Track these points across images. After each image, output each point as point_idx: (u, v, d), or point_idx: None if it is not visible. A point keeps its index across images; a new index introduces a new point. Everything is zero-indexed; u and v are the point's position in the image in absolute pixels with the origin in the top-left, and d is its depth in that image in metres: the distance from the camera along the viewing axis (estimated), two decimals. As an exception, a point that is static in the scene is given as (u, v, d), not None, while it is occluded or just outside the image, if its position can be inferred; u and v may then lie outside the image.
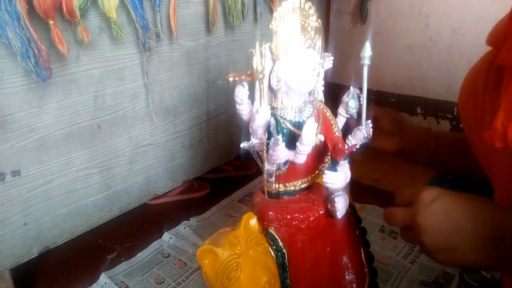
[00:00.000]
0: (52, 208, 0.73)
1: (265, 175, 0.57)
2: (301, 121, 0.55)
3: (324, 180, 0.53)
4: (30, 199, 0.69)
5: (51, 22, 0.59)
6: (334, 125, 0.57)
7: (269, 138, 0.52)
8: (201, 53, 0.90)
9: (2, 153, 0.64)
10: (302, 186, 0.59)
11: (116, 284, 0.74)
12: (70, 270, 0.79)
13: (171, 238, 0.86)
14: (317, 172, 0.59)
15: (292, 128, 0.54)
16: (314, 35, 0.52)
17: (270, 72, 0.53)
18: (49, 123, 0.68)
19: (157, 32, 0.76)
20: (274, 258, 0.54)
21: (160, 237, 0.87)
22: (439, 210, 0.46)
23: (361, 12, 1.27)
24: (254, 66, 0.50)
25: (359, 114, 0.55)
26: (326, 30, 1.36)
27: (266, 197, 0.60)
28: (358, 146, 0.54)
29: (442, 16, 1.14)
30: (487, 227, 0.44)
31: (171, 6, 0.77)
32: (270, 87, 0.54)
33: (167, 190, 0.95)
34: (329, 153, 0.55)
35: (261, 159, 0.55)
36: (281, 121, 0.54)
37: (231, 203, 0.99)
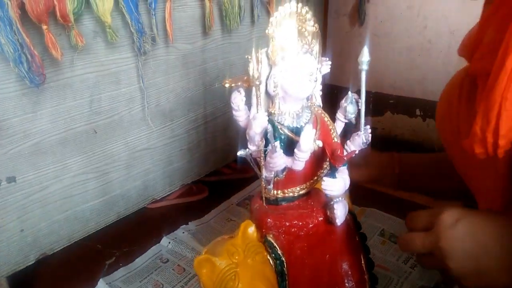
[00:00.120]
0: (49, 214, 0.72)
1: (263, 182, 0.56)
2: (299, 126, 0.54)
3: (322, 187, 0.52)
4: (26, 206, 0.68)
5: (44, 27, 0.59)
6: (332, 131, 0.56)
7: (266, 145, 0.51)
8: (198, 56, 0.89)
9: (-4, 160, 0.63)
10: (301, 192, 0.58)
11: (114, 290, 0.73)
12: (67, 276, 0.78)
13: (169, 242, 0.85)
14: (315, 178, 0.58)
15: (290, 134, 0.53)
16: (311, 40, 0.51)
17: (267, 78, 0.52)
18: (44, 128, 0.68)
19: (152, 35, 0.75)
20: (273, 266, 0.54)
21: (159, 242, 0.86)
22: (463, 233, 0.44)
23: (359, 14, 1.26)
24: (250, 73, 0.50)
25: (357, 119, 0.54)
26: (324, 32, 1.35)
27: (264, 203, 0.59)
28: (357, 152, 0.54)
29: (440, 18, 1.13)
30: None
31: (167, 9, 0.76)
32: (267, 93, 0.54)
33: (165, 195, 0.94)
34: (328, 159, 0.54)
35: (259, 166, 0.54)
36: (279, 127, 0.53)
37: (230, 206, 0.99)
